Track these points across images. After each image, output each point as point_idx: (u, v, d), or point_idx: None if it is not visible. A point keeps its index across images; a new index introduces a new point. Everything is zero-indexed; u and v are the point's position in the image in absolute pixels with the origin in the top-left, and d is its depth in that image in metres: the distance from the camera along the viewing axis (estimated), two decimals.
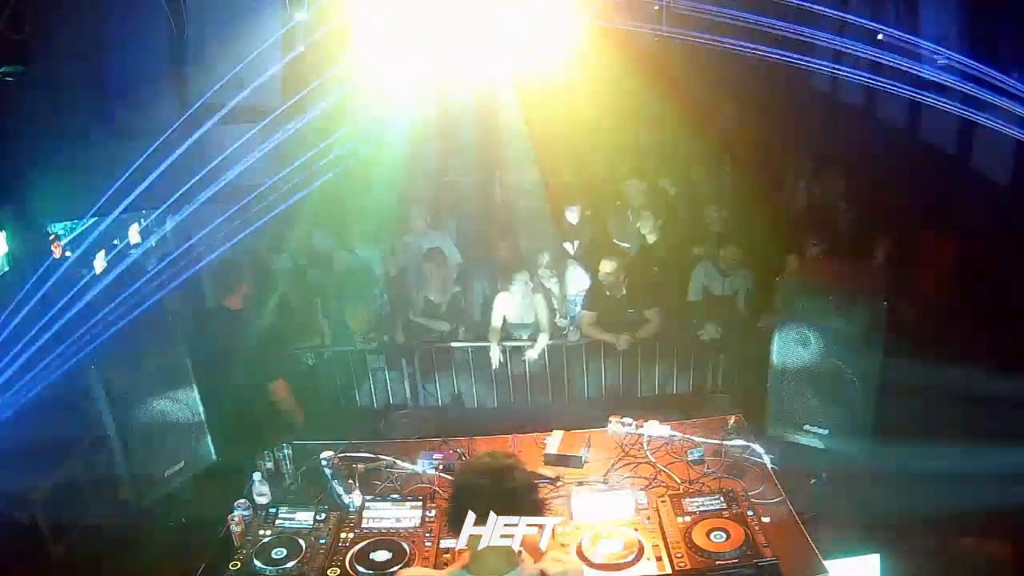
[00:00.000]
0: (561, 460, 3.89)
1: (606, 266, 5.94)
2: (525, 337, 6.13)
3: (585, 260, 6.64)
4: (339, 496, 3.56)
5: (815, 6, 4.80)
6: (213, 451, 4.10)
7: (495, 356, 6.02)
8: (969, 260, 6.28)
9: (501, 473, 2.35)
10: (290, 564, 3.19)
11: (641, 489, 3.62)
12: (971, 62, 4.72)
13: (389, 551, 3.24)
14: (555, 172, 7.89)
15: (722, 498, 3.45)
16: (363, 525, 3.42)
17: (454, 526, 2.35)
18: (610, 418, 4.13)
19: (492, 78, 6.38)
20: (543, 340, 6.05)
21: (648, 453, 3.94)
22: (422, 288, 6.29)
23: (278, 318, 5.39)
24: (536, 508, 2.38)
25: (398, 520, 3.44)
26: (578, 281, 6.50)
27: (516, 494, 2.34)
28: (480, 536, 2.31)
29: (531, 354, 6.04)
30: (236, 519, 3.42)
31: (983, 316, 5.80)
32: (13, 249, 5.68)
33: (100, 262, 7.44)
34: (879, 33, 6.28)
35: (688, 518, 3.33)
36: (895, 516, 4.15)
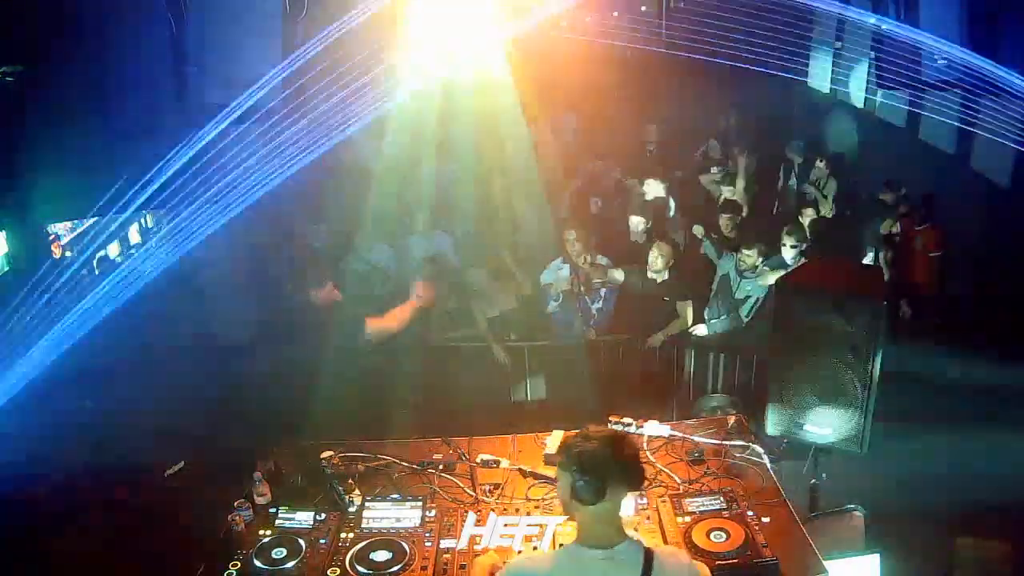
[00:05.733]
0: None
1: (660, 249, 6.04)
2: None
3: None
4: (339, 496, 3.56)
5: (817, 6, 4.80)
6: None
7: (499, 355, 6.02)
8: None
9: (621, 442, 2.42)
10: (290, 564, 3.19)
11: (640, 489, 3.61)
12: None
13: (389, 551, 3.23)
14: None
15: (722, 498, 3.45)
16: (363, 525, 3.42)
17: (585, 495, 2.36)
18: (610, 418, 4.12)
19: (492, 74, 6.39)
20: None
21: (648, 453, 3.93)
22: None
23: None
24: (641, 479, 2.49)
25: (398, 520, 3.44)
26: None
27: (635, 462, 2.43)
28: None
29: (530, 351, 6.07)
30: (236, 519, 3.42)
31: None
32: (13, 249, 5.67)
33: (100, 262, 7.44)
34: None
35: (688, 518, 3.33)
36: (895, 516, 4.15)
